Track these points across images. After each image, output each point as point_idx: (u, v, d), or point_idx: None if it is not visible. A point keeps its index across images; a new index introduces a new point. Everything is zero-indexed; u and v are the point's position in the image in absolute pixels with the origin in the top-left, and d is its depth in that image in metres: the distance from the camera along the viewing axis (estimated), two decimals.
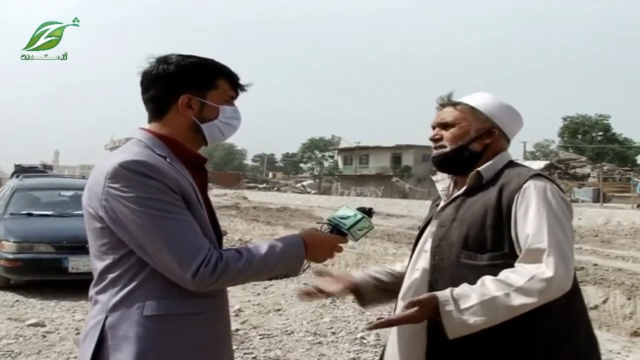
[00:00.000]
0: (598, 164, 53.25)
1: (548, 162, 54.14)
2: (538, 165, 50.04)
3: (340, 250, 2.13)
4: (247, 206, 34.76)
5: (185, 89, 2.00)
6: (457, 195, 2.27)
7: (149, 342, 1.84)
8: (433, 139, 2.32)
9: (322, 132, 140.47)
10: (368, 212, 2.17)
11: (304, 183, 74.87)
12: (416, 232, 2.47)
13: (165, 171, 1.87)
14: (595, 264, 11.63)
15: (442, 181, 2.42)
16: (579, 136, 70.67)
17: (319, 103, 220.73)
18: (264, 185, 75.77)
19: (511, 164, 2.25)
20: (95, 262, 1.95)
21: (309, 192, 62.56)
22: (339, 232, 2.11)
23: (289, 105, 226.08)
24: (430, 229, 2.32)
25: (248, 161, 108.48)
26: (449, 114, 2.30)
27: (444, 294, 1.97)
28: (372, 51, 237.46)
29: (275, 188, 70.63)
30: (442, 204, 2.35)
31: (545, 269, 1.92)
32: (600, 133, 71.17)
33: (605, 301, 8.74)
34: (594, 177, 46.83)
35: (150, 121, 2.06)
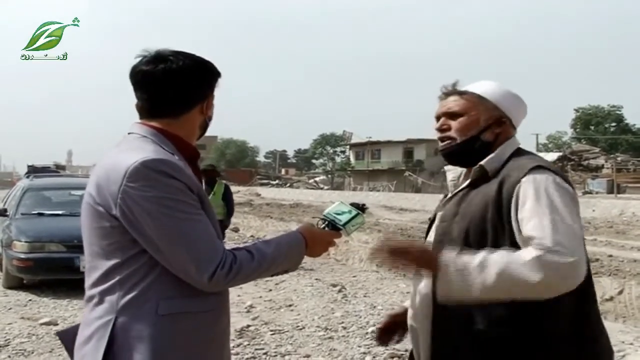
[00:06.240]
0: (612, 155, 52.88)
1: (561, 153, 53.90)
2: (551, 157, 49.85)
3: (335, 245, 2.17)
4: (260, 203, 34.85)
5: (211, 88, 2.05)
6: (460, 189, 2.20)
7: (164, 341, 1.82)
8: (440, 129, 2.22)
9: (333, 127, 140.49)
10: (361, 208, 2.21)
11: (317, 179, 75.02)
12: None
13: (185, 170, 1.85)
14: (610, 255, 11.55)
15: (453, 171, 2.34)
16: (592, 127, 70.32)
17: (330, 99, 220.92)
18: (277, 181, 75.93)
19: (518, 152, 2.15)
20: (99, 261, 1.90)
21: (321, 188, 62.63)
22: (333, 227, 2.14)
23: (300, 102, 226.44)
24: (436, 222, 2.26)
25: (260, 158, 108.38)
26: (456, 102, 2.20)
27: (449, 250, 1.89)
28: (382, 47, 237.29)
29: (288, 184, 70.80)
30: (449, 195, 2.28)
31: (552, 256, 1.78)
32: (614, 124, 70.82)
33: (620, 292, 8.67)
34: (607, 168, 46.53)
35: (151, 118, 2.00)
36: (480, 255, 1.84)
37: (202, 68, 2.02)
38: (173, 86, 1.96)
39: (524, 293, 1.81)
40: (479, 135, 2.16)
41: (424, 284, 2.14)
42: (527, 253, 1.80)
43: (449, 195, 2.27)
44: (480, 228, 2.01)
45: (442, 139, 2.22)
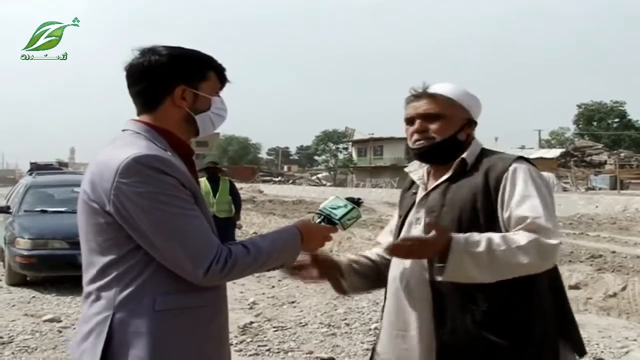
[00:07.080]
0: (614, 151, 52.75)
1: (564, 150, 53.78)
2: (554, 153, 49.80)
3: (330, 239, 2.20)
4: (263, 200, 34.77)
5: (179, 80, 1.99)
6: (441, 181, 2.32)
7: (161, 337, 1.83)
8: (418, 131, 2.33)
9: (335, 124, 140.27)
10: (357, 202, 2.26)
11: (319, 175, 74.96)
12: None
13: (177, 166, 1.85)
14: (614, 252, 11.49)
15: (416, 171, 2.47)
16: (595, 123, 70.09)
17: (332, 95, 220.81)
18: (279, 178, 75.96)
19: (485, 150, 2.36)
20: (95, 257, 1.90)
21: (324, 185, 62.64)
22: (329, 221, 2.19)
23: (302, 99, 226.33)
24: (415, 215, 2.37)
25: (263, 155, 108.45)
26: (432, 105, 2.32)
27: (458, 235, 2.05)
28: (383, 45, 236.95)
29: (291, 181, 70.80)
30: (420, 192, 2.40)
31: (546, 237, 2.04)
32: (616, 120, 70.60)
33: (624, 288, 8.63)
34: (610, 164, 46.47)
35: (140, 114, 2.03)
36: (484, 240, 2.04)
37: (169, 60, 1.99)
38: (139, 80, 2.00)
39: (516, 273, 2.06)
40: (455, 135, 2.32)
41: (410, 272, 2.27)
42: (522, 237, 2.04)
43: (425, 190, 2.38)
44: (471, 215, 2.19)
45: (417, 140, 2.34)
